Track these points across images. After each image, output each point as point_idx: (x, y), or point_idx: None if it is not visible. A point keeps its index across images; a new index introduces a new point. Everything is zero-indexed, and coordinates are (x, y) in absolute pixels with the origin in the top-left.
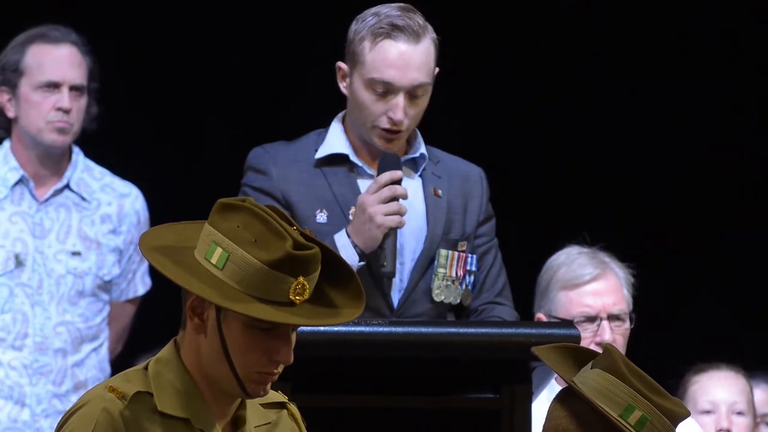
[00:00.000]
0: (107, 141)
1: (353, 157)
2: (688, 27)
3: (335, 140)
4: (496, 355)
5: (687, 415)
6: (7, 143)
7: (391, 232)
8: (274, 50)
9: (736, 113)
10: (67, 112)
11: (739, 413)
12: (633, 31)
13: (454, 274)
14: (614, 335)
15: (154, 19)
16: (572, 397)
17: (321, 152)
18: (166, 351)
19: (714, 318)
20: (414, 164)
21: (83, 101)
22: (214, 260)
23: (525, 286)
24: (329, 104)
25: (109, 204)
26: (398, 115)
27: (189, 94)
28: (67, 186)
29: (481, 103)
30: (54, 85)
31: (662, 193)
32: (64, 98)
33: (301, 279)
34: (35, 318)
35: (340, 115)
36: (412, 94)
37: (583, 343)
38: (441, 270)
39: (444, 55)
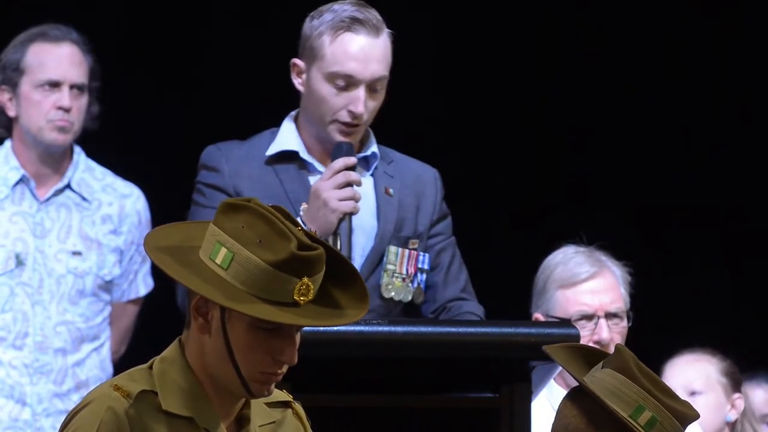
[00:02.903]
0: (109, 140)
1: (304, 154)
2: (689, 27)
3: (286, 138)
4: (496, 354)
5: (696, 416)
6: (8, 143)
7: (346, 218)
8: (275, 50)
9: (736, 113)
10: (67, 110)
11: (694, 393)
12: (633, 31)
13: (404, 271)
14: (612, 333)
15: (154, 18)
16: (583, 396)
17: (272, 149)
18: (170, 350)
19: (713, 317)
20: (366, 163)
21: (84, 100)
22: (218, 260)
23: (523, 287)
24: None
25: (110, 204)
26: (359, 108)
27: (190, 93)
28: (68, 186)
29: (481, 103)
30: (54, 84)
31: (661, 193)
32: (64, 97)
33: (305, 279)
34: (35, 317)
35: (293, 113)
36: (371, 87)
37: (581, 342)
38: (390, 266)
39: (445, 55)
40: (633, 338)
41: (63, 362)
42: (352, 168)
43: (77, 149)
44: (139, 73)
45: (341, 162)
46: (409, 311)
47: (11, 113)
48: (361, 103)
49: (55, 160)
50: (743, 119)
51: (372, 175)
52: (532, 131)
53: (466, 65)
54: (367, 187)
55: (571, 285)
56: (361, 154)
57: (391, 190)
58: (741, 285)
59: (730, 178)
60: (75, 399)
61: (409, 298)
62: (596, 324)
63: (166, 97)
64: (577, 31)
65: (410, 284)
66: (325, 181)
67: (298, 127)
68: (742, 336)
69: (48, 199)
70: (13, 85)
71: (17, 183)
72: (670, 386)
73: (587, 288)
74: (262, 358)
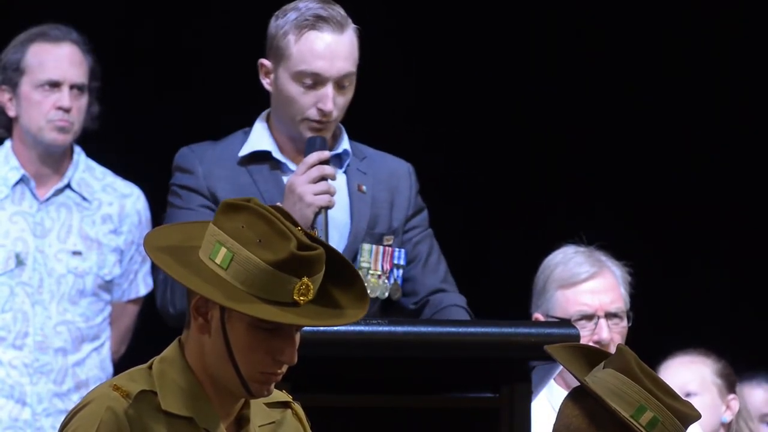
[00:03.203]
0: (109, 140)
1: (276, 154)
2: (689, 27)
3: (259, 138)
4: (496, 354)
5: (698, 417)
6: (8, 143)
7: (322, 212)
8: None
9: (736, 113)
10: (67, 110)
11: (689, 395)
12: (633, 31)
13: (380, 269)
14: (612, 333)
15: (154, 18)
16: (584, 397)
17: (244, 150)
18: (170, 350)
19: (713, 317)
20: (338, 160)
21: (84, 100)
22: (218, 260)
23: (523, 287)
24: None
25: (110, 204)
26: (328, 105)
27: (190, 93)
28: (68, 186)
29: (481, 103)
30: (54, 84)
31: (661, 193)
32: (64, 97)
33: (305, 279)
34: (35, 317)
35: (264, 113)
36: (339, 84)
37: (581, 342)
38: (364, 264)
39: (444, 56)
40: (633, 338)
41: (63, 362)
42: (326, 162)
43: (77, 149)
44: (139, 73)
45: (315, 156)
46: (388, 307)
47: (11, 113)
48: (330, 101)
49: (55, 160)
50: (743, 119)
51: (345, 172)
52: (533, 131)
53: (465, 65)
54: (339, 184)
55: (571, 285)
56: (333, 152)
57: (363, 187)
58: (741, 285)
59: (730, 178)
60: (75, 399)
61: (386, 294)
62: (596, 324)
63: (166, 97)
64: (577, 31)
65: (386, 281)
66: (300, 176)
67: (269, 127)
68: (741, 336)
69: (48, 199)
70: (13, 85)
71: (17, 183)
72: None
73: (587, 288)
74: (262, 358)
